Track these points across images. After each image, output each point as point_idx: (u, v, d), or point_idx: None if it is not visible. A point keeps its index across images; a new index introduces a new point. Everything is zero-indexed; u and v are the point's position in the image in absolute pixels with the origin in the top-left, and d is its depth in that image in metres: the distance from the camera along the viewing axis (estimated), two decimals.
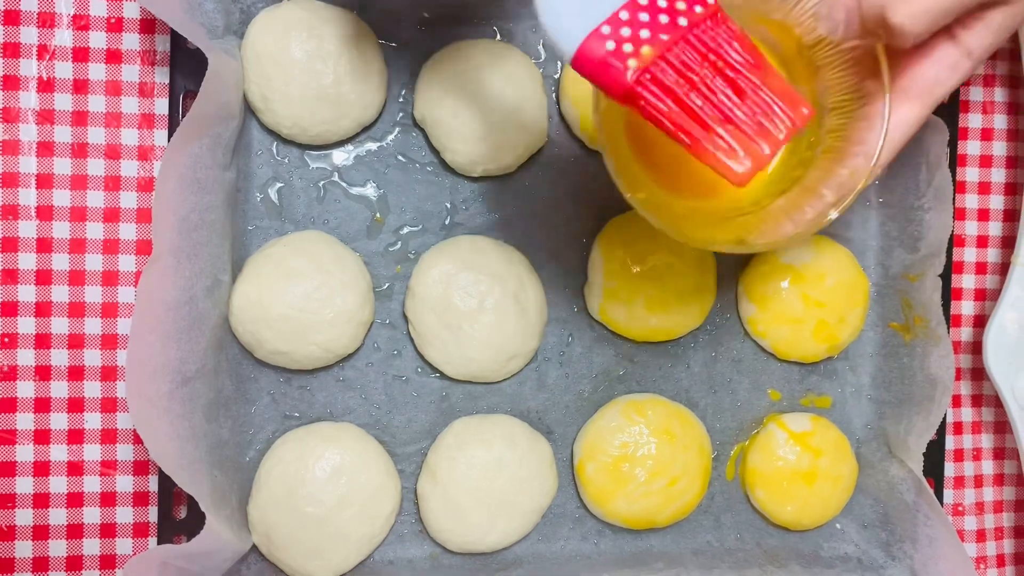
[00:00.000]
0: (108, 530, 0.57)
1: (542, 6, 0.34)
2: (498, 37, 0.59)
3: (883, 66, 0.42)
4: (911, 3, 0.38)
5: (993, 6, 0.40)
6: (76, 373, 0.56)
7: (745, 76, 0.36)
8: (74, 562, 0.56)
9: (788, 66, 0.46)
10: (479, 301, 0.56)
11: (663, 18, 0.34)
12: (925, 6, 0.38)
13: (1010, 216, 0.68)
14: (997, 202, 0.68)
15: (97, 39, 0.56)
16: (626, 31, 0.34)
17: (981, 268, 0.68)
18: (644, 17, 0.34)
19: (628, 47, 0.34)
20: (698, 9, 0.35)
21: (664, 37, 0.34)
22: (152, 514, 0.57)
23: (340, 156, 0.58)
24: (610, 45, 0.34)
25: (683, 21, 0.34)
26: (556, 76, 0.60)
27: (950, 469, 0.66)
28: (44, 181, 0.56)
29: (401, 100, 0.59)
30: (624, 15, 0.34)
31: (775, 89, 0.36)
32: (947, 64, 0.42)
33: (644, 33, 0.34)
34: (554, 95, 0.60)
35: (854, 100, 0.44)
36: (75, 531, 0.56)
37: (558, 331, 0.61)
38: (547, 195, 0.60)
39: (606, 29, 0.33)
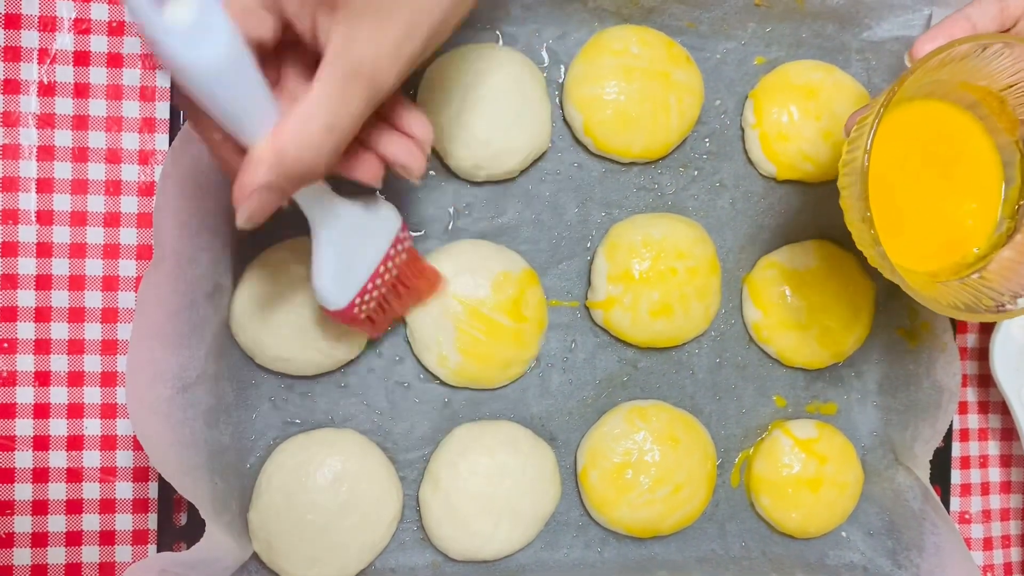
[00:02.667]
0: (107, 537, 0.56)
1: (317, 283, 0.48)
2: (501, 42, 0.59)
3: None
4: None
5: None
6: (76, 379, 0.56)
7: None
8: (73, 569, 0.56)
9: (988, 120, 0.49)
10: (478, 307, 0.56)
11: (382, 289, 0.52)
12: None
13: None
14: None
15: (98, 43, 0.56)
16: (366, 296, 0.50)
17: None
18: (378, 281, 0.51)
19: (364, 307, 0.51)
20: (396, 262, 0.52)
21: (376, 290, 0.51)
22: (152, 521, 0.57)
23: None
24: (356, 310, 0.50)
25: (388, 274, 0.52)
26: (560, 80, 0.60)
27: (956, 476, 0.66)
28: (44, 185, 0.55)
29: None
30: (368, 286, 0.50)
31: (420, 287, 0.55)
32: None
33: (374, 294, 0.51)
34: (557, 99, 0.60)
35: None
36: (74, 538, 0.56)
37: (561, 337, 0.60)
38: (550, 200, 0.60)
39: (357, 300, 0.50)
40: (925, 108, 0.49)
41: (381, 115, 0.45)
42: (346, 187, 0.47)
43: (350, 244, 0.48)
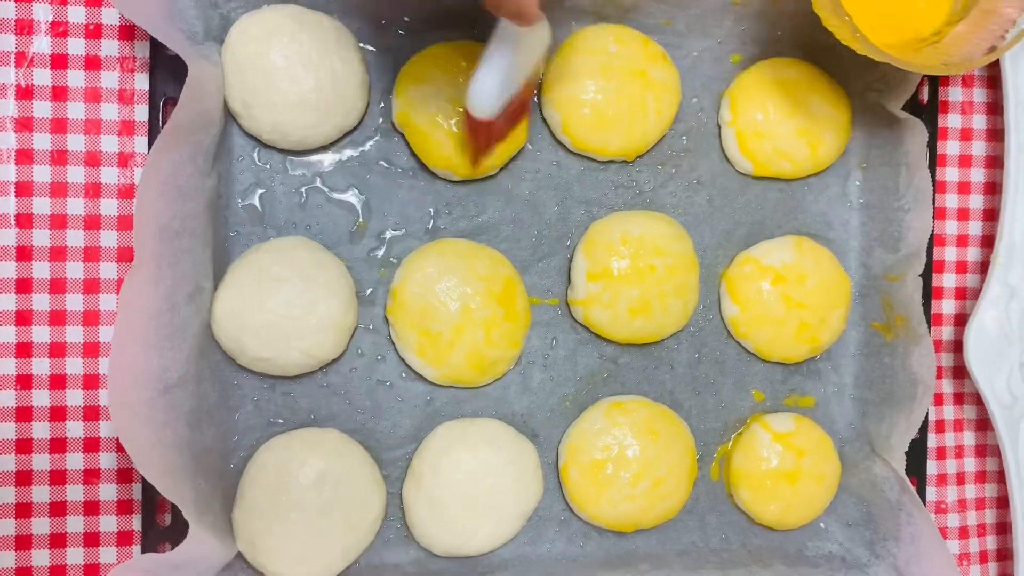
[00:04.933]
0: (92, 539, 0.56)
1: (476, 90, 0.49)
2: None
3: None
4: None
5: None
6: (58, 382, 0.56)
7: None
8: (58, 571, 0.56)
9: None
10: (461, 305, 0.56)
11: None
12: None
13: (990, 215, 0.68)
14: (977, 201, 0.68)
15: (76, 46, 0.56)
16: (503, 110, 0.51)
17: (961, 267, 0.68)
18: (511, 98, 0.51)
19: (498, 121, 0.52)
20: None
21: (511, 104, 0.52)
22: (136, 522, 0.57)
23: (322, 162, 0.58)
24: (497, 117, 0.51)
25: None
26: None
27: (932, 467, 0.67)
28: (23, 189, 0.55)
29: (383, 105, 0.59)
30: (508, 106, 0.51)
31: None
32: None
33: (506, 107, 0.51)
34: (536, 98, 0.60)
35: None
36: (58, 540, 0.56)
37: (542, 334, 0.61)
38: (529, 199, 0.60)
39: (500, 110, 0.50)
40: None
41: None
42: None
43: (513, 63, 0.49)
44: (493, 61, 0.49)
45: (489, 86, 0.49)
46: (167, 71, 0.54)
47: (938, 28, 0.53)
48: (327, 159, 0.58)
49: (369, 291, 0.58)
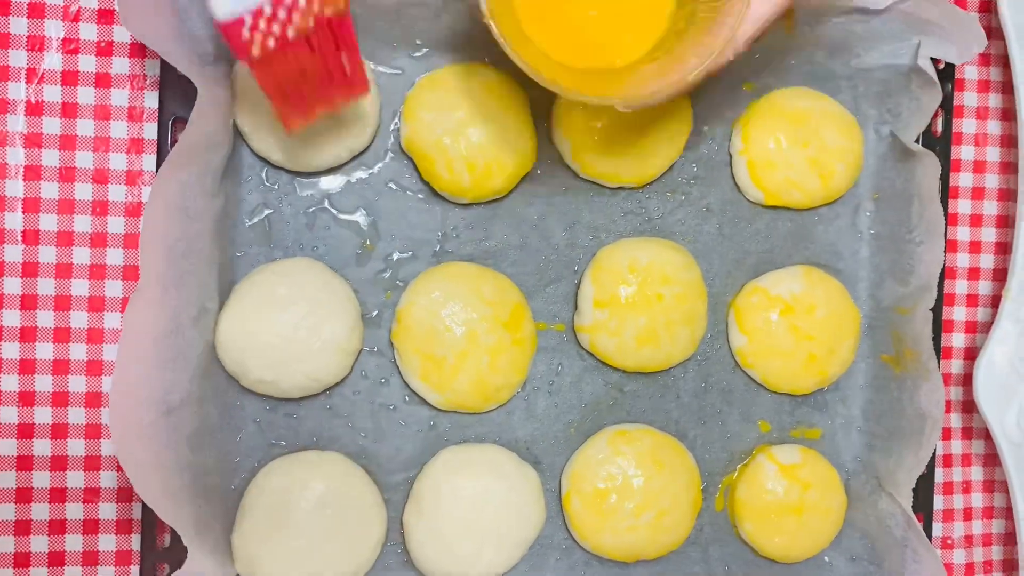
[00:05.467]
0: (90, 558, 0.56)
1: None
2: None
3: None
4: None
5: None
6: (60, 399, 0.56)
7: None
8: None
9: None
10: (466, 329, 0.56)
11: (288, 28, 0.44)
12: None
13: (1002, 249, 0.68)
14: (989, 235, 0.68)
15: (86, 63, 0.56)
16: (262, 24, 0.43)
17: (972, 300, 0.68)
18: (281, 14, 0.43)
19: (258, 37, 0.43)
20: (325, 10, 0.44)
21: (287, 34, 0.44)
22: (135, 542, 0.57)
23: (330, 183, 0.58)
24: (246, 33, 0.43)
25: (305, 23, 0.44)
26: (547, 100, 0.60)
27: (939, 502, 0.66)
28: (31, 205, 0.55)
29: (393, 128, 0.58)
30: (267, 10, 0.42)
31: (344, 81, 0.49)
32: None
33: (275, 28, 0.43)
34: (546, 124, 0.60)
35: None
36: (57, 558, 0.56)
37: (547, 360, 0.60)
38: (538, 224, 0.60)
39: (249, 20, 0.42)
40: None
41: None
42: None
43: None
44: None
45: None
46: (177, 90, 0.54)
47: (631, 63, 0.53)
48: (336, 180, 0.58)
49: (375, 313, 0.58)
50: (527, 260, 0.60)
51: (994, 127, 0.68)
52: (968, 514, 0.67)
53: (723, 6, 0.48)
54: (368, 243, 0.58)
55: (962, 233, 0.67)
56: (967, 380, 0.67)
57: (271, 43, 0.44)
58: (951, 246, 0.67)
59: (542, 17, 0.51)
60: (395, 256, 0.59)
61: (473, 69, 0.58)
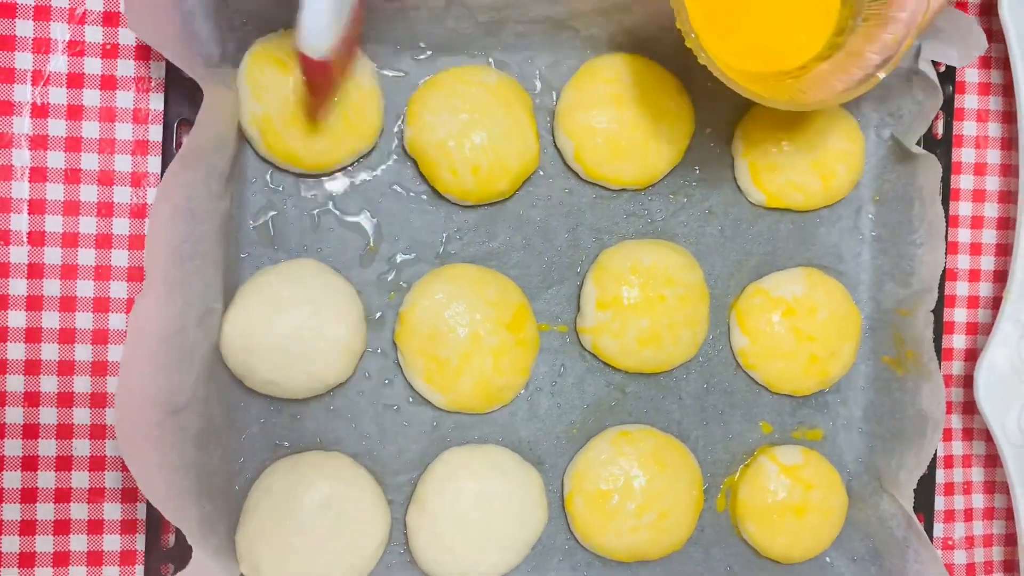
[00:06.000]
0: (95, 558, 0.56)
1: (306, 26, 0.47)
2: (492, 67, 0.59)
3: None
4: None
5: None
6: (65, 399, 0.56)
7: None
8: None
9: None
10: (470, 331, 0.56)
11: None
12: None
13: (1002, 251, 0.68)
14: (990, 236, 0.68)
15: (92, 65, 0.56)
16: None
17: (973, 302, 0.68)
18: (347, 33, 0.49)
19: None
20: None
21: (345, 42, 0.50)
22: (140, 542, 0.57)
23: (335, 185, 0.58)
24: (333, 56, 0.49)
25: None
26: (552, 107, 0.60)
27: (940, 503, 0.66)
28: (36, 207, 0.56)
29: (397, 130, 0.59)
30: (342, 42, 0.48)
31: None
32: None
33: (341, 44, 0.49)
34: (549, 126, 0.60)
35: None
36: (62, 559, 0.56)
37: (550, 361, 0.60)
38: (541, 226, 0.60)
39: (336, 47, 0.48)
40: None
41: None
42: None
43: None
44: None
45: (321, 17, 0.47)
46: (182, 92, 0.54)
47: (804, 63, 0.53)
48: (340, 182, 0.58)
49: (378, 315, 0.58)
50: (530, 262, 0.60)
51: (995, 130, 0.68)
52: (969, 515, 0.67)
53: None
54: (372, 245, 0.58)
55: (963, 235, 0.67)
56: (968, 382, 0.67)
57: (337, 59, 0.49)
58: (952, 248, 0.67)
59: (713, 25, 0.52)
60: (398, 258, 0.59)
61: (476, 71, 0.58)
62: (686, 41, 0.47)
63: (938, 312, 0.61)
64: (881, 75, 0.48)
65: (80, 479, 0.56)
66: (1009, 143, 0.68)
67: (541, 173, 0.60)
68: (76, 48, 0.56)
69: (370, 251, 0.58)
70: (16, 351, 0.55)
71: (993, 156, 0.68)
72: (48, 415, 0.56)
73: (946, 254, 0.59)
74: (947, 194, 0.62)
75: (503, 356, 0.57)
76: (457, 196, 0.58)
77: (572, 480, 0.59)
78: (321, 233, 0.58)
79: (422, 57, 0.59)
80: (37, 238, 0.56)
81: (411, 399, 0.59)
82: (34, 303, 0.56)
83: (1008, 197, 0.68)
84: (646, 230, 0.62)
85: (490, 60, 0.59)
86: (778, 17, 0.53)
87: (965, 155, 0.67)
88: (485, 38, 0.58)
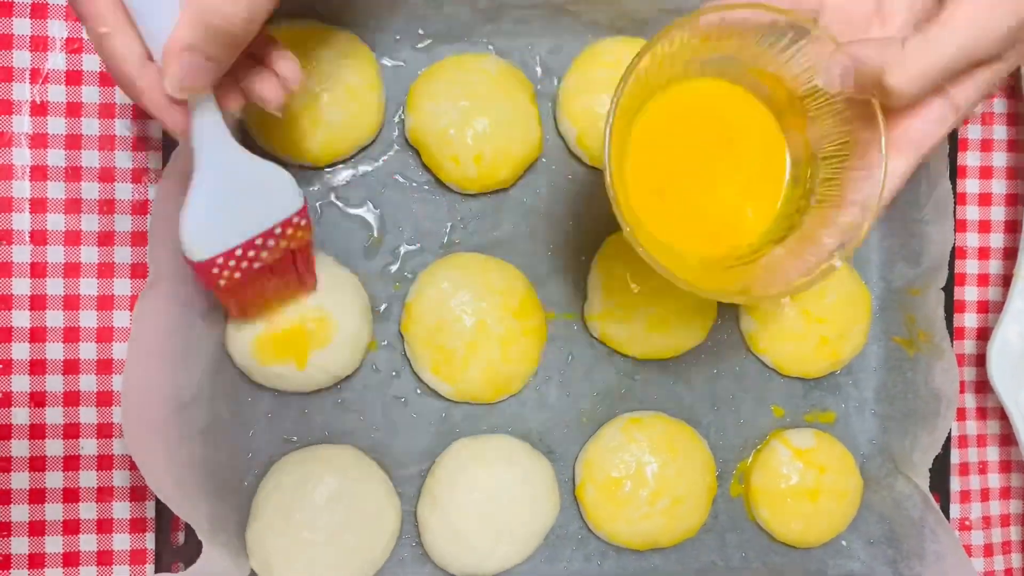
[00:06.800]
0: (105, 557, 0.56)
1: (183, 226, 0.45)
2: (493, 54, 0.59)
3: (880, 121, 0.41)
4: (908, 67, 0.38)
5: (982, 65, 0.40)
6: (71, 399, 0.56)
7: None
8: None
9: (781, 116, 0.47)
10: (476, 320, 0.56)
11: (255, 263, 0.48)
12: (922, 70, 0.38)
13: (1012, 228, 0.67)
14: (998, 213, 0.67)
15: (90, 62, 0.56)
16: (231, 262, 0.47)
17: (983, 280, 0.67)
18: (250, 253, 0.47)
19: (226, 272, 0.47)
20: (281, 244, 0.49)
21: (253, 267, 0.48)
22: (150, 541, 0.56)
23: (337, 176, 0.58)
24: (215, 270, 0.46)
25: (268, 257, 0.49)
26: (554, 93, 0.60)
27: (956, 483, 0.66)
28: (38, 205, 0.55)
29: (398, 119, 0.58)
30: (239, 252, 0.47)
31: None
32: (935, 118, 0.42)
33: (243, 264, 0.47)
34: (552, 112, 0.60)
35: (847, 149, 0.44)
36: (71, 559, 0.55)
37: (558, 349, 0.60)
38: (546, 213, 0.60)
39: (220, 260, 0.46)
40: (722, 89, 0.47)
41: (255, 56, 0.44)
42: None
43: (232, 199, 0.45)
44: (198, 189, 0.44)
45: (201, 220, 0.44)
46: None
47: (757, 246, 0.48)
48: (342, 173, 0.58)
49: (384, 307, 0.58)
50: (535, 249, 0.60)
51: (1000, 105, 0.68)
52: (985, 495, 0.67)
53: (847, 183, 0.44)
54: (375, 236, 0.58)
55: (971, 213, 0.67)
56: (980, 360, 0.66)
57: (237, 275, 0.48)
58: (960, 226, 0.66)
59: (658, 208, 0.47)
60: (403, 248, 0.58)
61: (477, 59, 0.57)
62: (623, 233, 0.42)
63: (948, 291, 0.60)
64: (838, 263, 0.43)
65: (88, 479, 0.56)
66: (1015, 119, 0.68)
67: (544, 160, 0.60)
68: (74, 45, 0.56)
69: (374, 242, 0.58)
70: (21, 351, 0.55)
71: (1000, 132, 0.67)
72: (54, 415, 0.55)
73: (955, 231, 0.59)
74: (954, 172, 0.61)
75: (511, 345, 0.56)
76: (460, 185, 0.57)
77: (583, 468, 0.58)
78: (324, 225, 0.57)
79: (422, 46, 0.58)
80: (39, 237, 0.55)
81: (419, 391, 0.58)
82: (38, 302, 0.55)
83: (1015, 173, 0.68)
84: None
85: (490, 47, 0.59)
86: (725, 199, 0.48)
87: (971, 131, 0.67)
88: (485, 25, 0.58)
